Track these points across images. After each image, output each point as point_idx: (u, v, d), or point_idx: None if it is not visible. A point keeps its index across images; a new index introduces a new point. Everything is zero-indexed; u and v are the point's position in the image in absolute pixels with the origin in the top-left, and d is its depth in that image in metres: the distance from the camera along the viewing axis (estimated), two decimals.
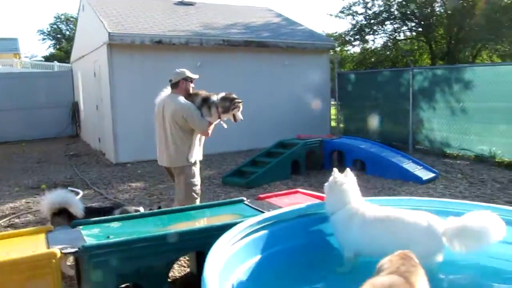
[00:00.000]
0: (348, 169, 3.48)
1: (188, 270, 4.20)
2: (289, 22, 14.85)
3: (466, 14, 17.53)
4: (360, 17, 20.69)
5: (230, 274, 2.96)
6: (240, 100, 4.72)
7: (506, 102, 9.32)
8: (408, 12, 19.56)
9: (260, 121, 11.72)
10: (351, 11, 20.65)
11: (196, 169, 4.91)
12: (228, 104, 4.64)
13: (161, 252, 3.09)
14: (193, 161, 4.81)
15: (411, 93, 10.97)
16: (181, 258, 4.32)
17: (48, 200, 3.99)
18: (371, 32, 21.04)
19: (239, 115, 4.74)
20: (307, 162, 8.77)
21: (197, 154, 4.88)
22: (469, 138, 10.02)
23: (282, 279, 3.30)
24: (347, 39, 21.50)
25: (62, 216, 3.97)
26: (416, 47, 22.52)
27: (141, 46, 10.67)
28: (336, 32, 22.61)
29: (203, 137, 4.99)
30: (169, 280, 3.88)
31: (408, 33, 21.55)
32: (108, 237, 3.24)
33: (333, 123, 14.21)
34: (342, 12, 20.83)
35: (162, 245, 3.09)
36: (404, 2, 19.19)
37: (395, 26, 20.77)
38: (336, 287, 3.33)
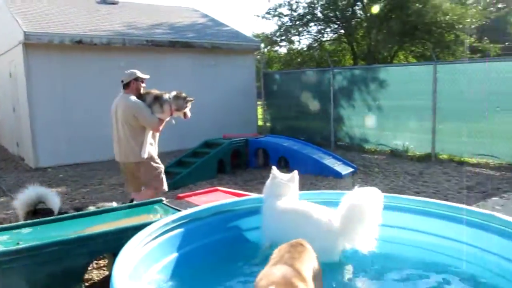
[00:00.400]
0: (295, 172, 3.60)
1: (107, 273, 4.18)
2: (215, 23, 14.94)
3: (384, 17, 18.55)
4: (286, 19, 21.20)
5: (144, 273, 3.01)
6: (191, 99, 5.19)
7: (416, 100, 10.04)
8: (331, 14, 20.34)
9: (188, 122, 11.70)
10: (277, 13, 21.10)
11: (153, 162, 5.22)
12: (181, 102, 5.07)
13: (73, 255, 3.07)
14: (145, 157, 5.08)
15: (332, 92, 11.49)
16: (101, 262, 4.30)
17: (24, 197, 3.90)
18: (296, 33, 21.62)
19: (189, 112, 5.20)
20: (232, 161, 8.93)
21: (151, 150, 5.19)
22: (385, 134, 10.69)
23: (199, 275, 3.39)
24: (273, 39, 21.94)
25: (37, 216, 3.89)
26: (340, 48, 23.45)
27: (60, 46, 10.29)
28: (263, 33, 23.03)
29: (157, 134, 5.32)
30: (86, 284, 3.86)
31: (332, 35, 22.40)
32: (17, 243, 3.16)
33: (260, 122, 14.50)
34: (268, 13, 21.24)
35: (73, 249, 3.06)
36: (326, 5, 19.94)
37: (319, 27, 21.48)
38: (252, 280, 3.45)
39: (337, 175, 8.08)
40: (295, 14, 20.87)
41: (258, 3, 71.95)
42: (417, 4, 16.88)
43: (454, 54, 18.65)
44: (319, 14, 20.65)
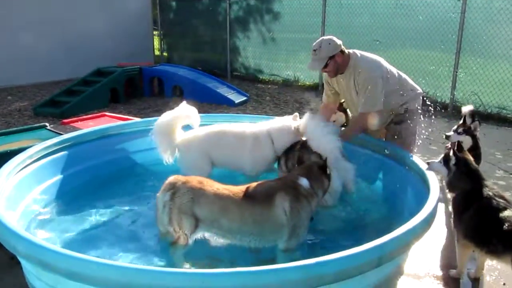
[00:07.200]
0: None
1: None
2: None
3: None
4: None
5: (27, 193, 3.09)
6: None
7: (306, 32, 10.45)
8: None
9: (80, 49, 11.13)
10: None
11: None
12: None
13: None
14: None
15: (228, 22, 11.48)
16: None
17: None
18: None
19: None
20: (126, 89, 8.78)
21: None
22: (278, 65, 11.11)
23: (83, 195, 3.50)
24: None
25: None
26: None
27: None
28: None
29: None
30: None
31: None
32: None
33: (157, 52, 14.18)
34: None
35: None
36: None
37: None
38: (138, 201, 3.60)
39: (230, 103, 8.38)
40: None
41: None
42: None
43: None
44: None
